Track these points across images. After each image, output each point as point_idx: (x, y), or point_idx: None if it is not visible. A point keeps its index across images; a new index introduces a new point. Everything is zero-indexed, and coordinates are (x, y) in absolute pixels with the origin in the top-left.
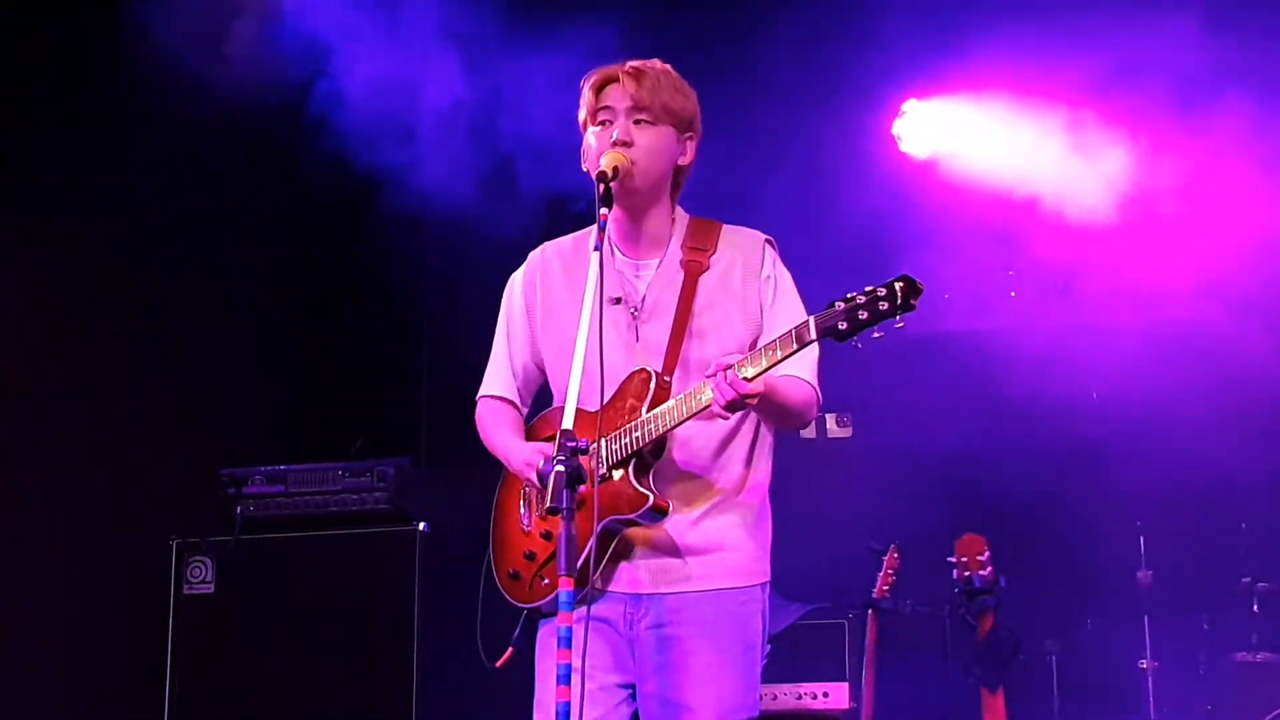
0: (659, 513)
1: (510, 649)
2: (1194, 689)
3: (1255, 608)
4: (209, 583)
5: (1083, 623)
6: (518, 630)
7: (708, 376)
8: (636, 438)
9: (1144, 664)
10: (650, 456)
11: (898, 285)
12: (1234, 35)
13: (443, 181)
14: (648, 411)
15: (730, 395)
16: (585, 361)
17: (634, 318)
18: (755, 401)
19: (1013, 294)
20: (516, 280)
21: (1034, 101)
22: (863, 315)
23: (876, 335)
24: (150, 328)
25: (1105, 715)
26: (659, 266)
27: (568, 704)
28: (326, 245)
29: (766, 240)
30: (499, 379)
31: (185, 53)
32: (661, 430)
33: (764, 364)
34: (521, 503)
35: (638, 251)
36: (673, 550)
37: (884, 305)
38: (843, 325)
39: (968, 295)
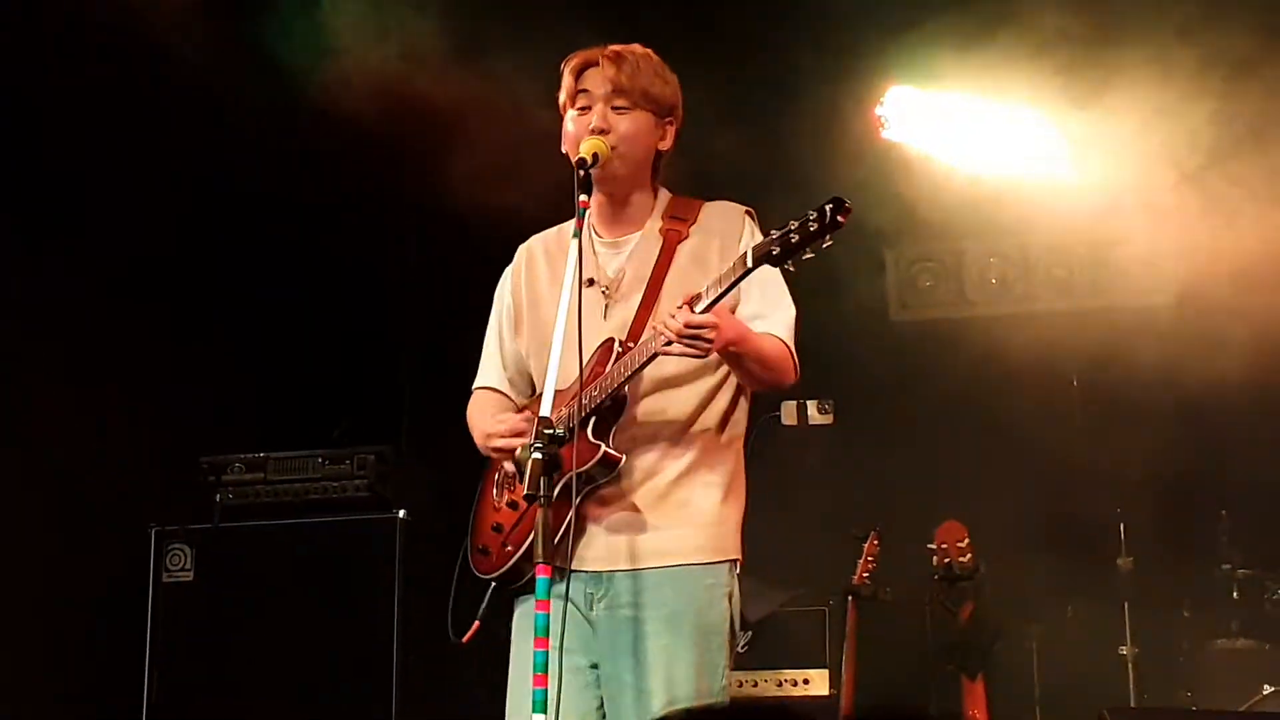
0: (611, 464)
1: (476, 623)
2: (1174, 676)
3: (1235, 595)
4: (188, 570)
5: (1063, 610)
6: (484, 605)
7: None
8: (594, 395)
9: (1124, 651)
10: (609, 414)
11: (826, 207)
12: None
13: (427, 170)
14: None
15: (676, 326)
16: (563, 345)
17: (605, 298)
18: (717, 334)
19: (993, 280)
20: (506, 274)
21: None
22: (794, 238)
23: (808, 256)
24: (128, 314)
25: (1085, 702)
26: (636, 241)
27: (544, 691)
28: (308, 232)
29: (747, 211)
30: (489, 370)
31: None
32: (616, 382)
33: (708, 300)
34: (495, 480)
35: (614, 231)
36: (636, 525)
37: (813, 226)
38: (775, 250)
39: (950, 282)
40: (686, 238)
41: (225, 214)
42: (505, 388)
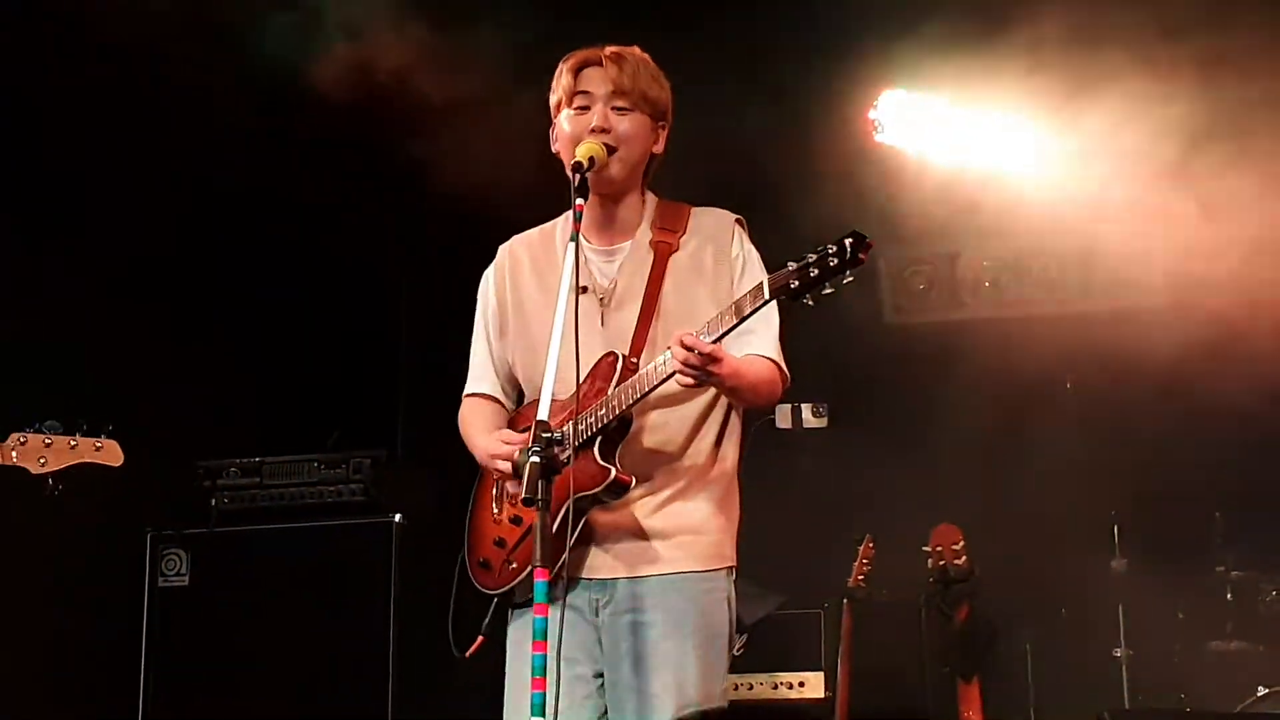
0: (621, 488)
1: (480, 638)
2: (1169, 678)
3: (1230, 596)
4: (184, 575)
5: (1057, 612)
6: (487, 619)
7: (669, 347)
8: (601, 415)
9: (1118, 653)
10: (615, 434)
11: (847, 241)
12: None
13: (426, 172)
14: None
15: (684, 355)
16: (558, 351)
17: (601, 305)
18: (717, 368)
19: (986, 283)
20: (488, 277)
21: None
22: (813, 273)
23: (828, 291)
24: (124, 318)
25: (1080, 704)
26: (628, 251)
27: (543, 694)
28: (307, 232)
29: (737, 220)
30: (480, 376)
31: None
32: (624, 405)
33: (720, 330)
34: (493, 492)
35: (606, 239)
36: (638, 534)
37: (833, 261)
38: (794, 284)
39: (943, 285)
40: (677, 249)
41: (225, 214)
42: (498, 394)
